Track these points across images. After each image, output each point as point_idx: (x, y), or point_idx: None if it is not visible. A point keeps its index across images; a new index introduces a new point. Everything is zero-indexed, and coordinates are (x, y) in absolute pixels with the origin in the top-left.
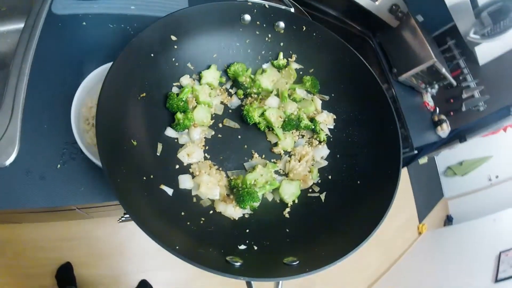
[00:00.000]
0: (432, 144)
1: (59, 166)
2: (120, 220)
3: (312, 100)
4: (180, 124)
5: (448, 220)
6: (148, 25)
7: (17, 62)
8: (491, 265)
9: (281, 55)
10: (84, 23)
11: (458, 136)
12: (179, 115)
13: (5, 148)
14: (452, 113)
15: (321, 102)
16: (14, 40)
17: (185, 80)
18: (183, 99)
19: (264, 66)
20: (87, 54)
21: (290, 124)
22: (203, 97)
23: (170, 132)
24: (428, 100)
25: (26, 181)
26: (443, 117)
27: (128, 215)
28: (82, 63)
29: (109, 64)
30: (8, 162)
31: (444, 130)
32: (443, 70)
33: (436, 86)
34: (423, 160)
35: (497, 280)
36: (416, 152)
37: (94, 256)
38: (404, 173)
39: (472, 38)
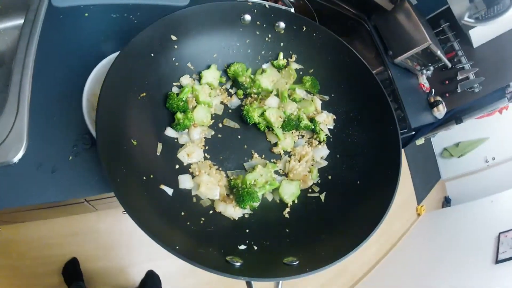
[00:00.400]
0: (429, 125)
1: (71, 158)
2: (124, 212)
3: (312, 100)
4: (180, 124)
5: (446, 202)
6: (148, 25)
7: (20, 57)
8: (490, 246)
9: (281, 55)
10: (86, 14)
11: (454, 117)
12: (179, 115)
13: (12, 145)
14: (447, 95)
15: (321, 102)
16: (11, 37)
17: (185, 80)
18: (183, 99)
19: (264, 66)
20: (92, 45)
21: (290, 124)
22: (203, 97)
23: (170, 132)
24: (424, 81)
25: (37, 175)
26: (438, 98)
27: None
28: (88, 54)
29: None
30: (16, 158)
31: (440, 111)
32: (438, 52)
33: (431, 68)
34: (420, 141)
35: (497, 261)
36: (413, 133)
37: (100, 249)
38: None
39: (467, 22)
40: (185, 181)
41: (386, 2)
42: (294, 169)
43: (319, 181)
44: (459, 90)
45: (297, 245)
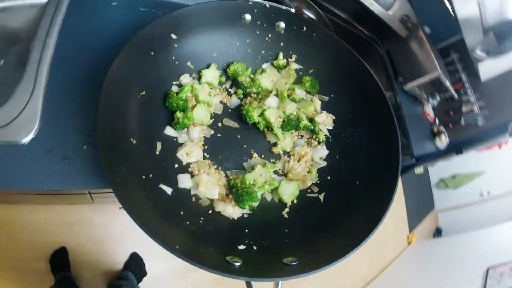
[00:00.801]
0: (430, 154)
1: (85, 147)
2: (122, 208)
3: (312, 101)
4: (180, 123)
5: (437, 232)
6: (148, 23)
7: (40, 37)
8: (478, 280)
9: (281, 55)
10: (115, 3)
11: (455, 148)
12: (179, 114)
13: (24, 125)
14: (451, 125)
15: (320, 102)
16: (27, 16)
17: (185, 79)
18: (183, 98)
19: (264, 66)
20: (118, 35)
21: (289, 124)
22: (203, 96)
23: (169, 131)
24: (429, 110)
25: (45, 160)
26: (442, 128)
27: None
28: (112, 43)
29: None
30: (26, 140)
31: (443, 141)
32: (447, 83)
33: (438, 98)
34: (419, 169)
35: None
36: (414, 161)
37: (92, 242)
38: None
39: (478, 55)
40: (184, 180)
41: (402, 28)
42: (293, 169)
43: (318, 182)
44: (462, 122)
45: (296, 245)
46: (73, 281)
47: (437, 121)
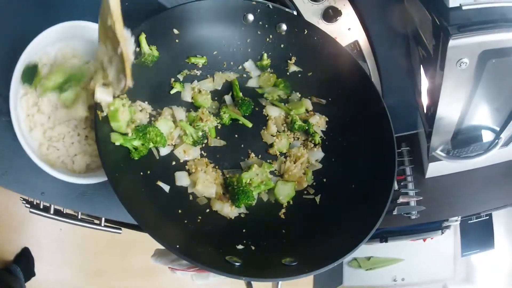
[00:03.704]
0: None
1: None
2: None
3: (302, 102)
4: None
5: None
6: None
7: None
8: None
9: (265, 55)
10: None
11: (380, 235)
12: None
13: None
14: None
15: (311, 103)
16: None
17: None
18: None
19: (247, 65)
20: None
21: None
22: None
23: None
24: None
25: None
26: None
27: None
28: (39, 17)
29: (74, 22)
30: None
31: None
32: None
33: None
34: None
35: None
36: None
37: None
38: None
39: (438, 154)
40: (181, 178)
41: None
42: (289, 170)
43: (314, 183)
44: (395, 213)
45: (294, 245)
46: None
47: None
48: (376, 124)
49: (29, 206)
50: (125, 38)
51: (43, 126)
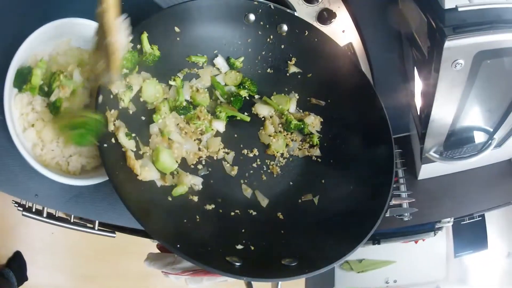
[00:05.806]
0: None
1: None
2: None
3: (289, 99)
4: None
5: None
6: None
7: None
8: None
9: (241, 58)
10: None
11: (373, 238)
12: None
13: None
14: None
15: (295, 101)
16: None
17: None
18: None
19: (218, 61)
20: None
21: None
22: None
23: None
24: None
25: None
26: None
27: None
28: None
29: (65, 20)
30: None
31: None
32: None
33: None
34: None
35: None
36: None
37: None
38: None
39: (431, 156)
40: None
41: None
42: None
43: (312, 185)
44: (387, 215)
45: (294, 246)
46: None
47: None
48: (374, 127)
49: (21, 209)
50: (116, 29)
51: (37, 126)
